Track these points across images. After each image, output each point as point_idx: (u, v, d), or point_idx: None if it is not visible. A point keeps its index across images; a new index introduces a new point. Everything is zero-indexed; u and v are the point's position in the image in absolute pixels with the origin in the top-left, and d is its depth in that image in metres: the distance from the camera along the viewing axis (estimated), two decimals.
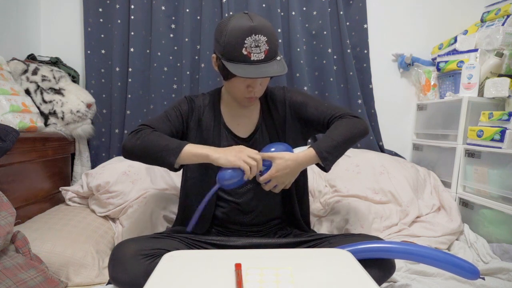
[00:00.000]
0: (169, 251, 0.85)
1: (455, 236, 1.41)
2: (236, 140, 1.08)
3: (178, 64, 1.83)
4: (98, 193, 1.43)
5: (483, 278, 0.94)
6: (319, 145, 0.98)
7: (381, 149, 1.90)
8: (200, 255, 0.82)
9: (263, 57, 0.93)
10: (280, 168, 0.94)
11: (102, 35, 1.81)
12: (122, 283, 0.89)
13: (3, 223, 0.91)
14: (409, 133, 2.00)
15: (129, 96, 1.78)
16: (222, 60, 0.96)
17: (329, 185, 1.58)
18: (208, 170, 1.04)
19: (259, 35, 0.92)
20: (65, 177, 1.66)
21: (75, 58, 1.84)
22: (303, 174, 1.15)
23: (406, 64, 1.91)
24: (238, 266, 0.70)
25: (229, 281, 0.66)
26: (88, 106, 1.61)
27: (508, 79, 1.47)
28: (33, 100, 1.49)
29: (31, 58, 1.69)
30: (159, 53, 1.79)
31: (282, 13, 1.82)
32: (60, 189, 1.54)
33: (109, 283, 1.00)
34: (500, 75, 1.57)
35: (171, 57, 1.83)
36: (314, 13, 1.85)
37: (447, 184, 1.63)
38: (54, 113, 1.52)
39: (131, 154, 1.00)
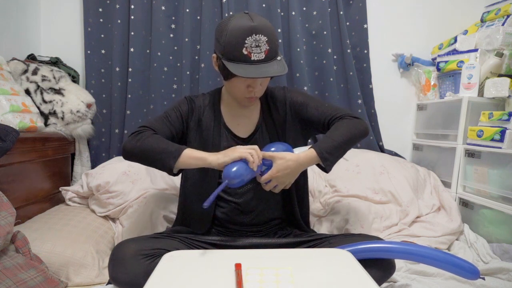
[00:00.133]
0: (169, 251, 0.85)
1: (455, 236, 1.41)
2: (236, 140, 1.08)
3: (178, 64, 1.83)
4: (98, 193, 1.43)
5: (483, 278, 0.94)
6: (319, 145, 0.98)
7: (381, 149, 1.90)
8: (200, 255, 0.82)
9: (263, 57, 0.93)
10: (281, 168, 0.94)
11: (102, 35, 1.81)
12: (122, 283, 0.89)
13: (3, 223, 0.91)
14: (409, 133, 2.00)
15: (129, 96, 1.78)
16: (223, 60, 0.96)
17: (329, 185, 1.58)
18: (208, 170, 1.04)
19: (260, 35, 0.92)
20: (65, 177, 1.66)
21: (75, 58, 1.84)
22: (303, 174, 1.15)
23: (406, 64, 1.91)
24: (238, 266, 0.70)
25: (229, 281, 0.66)
26: (88, 106, 1.61)
27: (508, 79, 1.47)
28: (33, 100, 1.49)
29: (31, 58, 1.69)
30: (159, 53, 1.79)
31: (282, 13, 1.82)
32: (60, 189, 1.54)
33: (109, 283, 1.00)
34: (500, 75, 1.57)
35: (171, 57, 1.83)
36: (314, 13, 1.85)
37: (447, 184, 1.63)
38: (54, 113, 1.52)
39: (130, 155, 1.00)
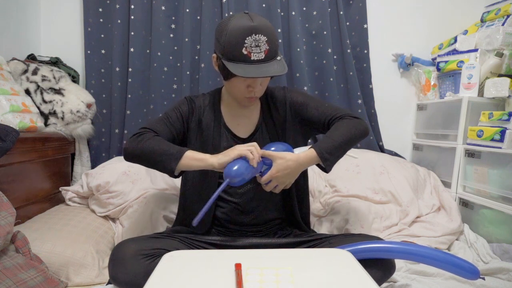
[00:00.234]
0: (169, 251, 0.85)
1: (455, 236, 1.41)
2: (236, 140, 1.08)
3: (178, 64, 1.83)
4: (98, 193, 1.43)
5: (483, 278, 0.94)
6: (320, 145, 0.98)
7: (381, 149, 1.90)
8: (200, 255, 0.82)
9: (263, 57, 0.93)
10: (281, 168, 0.94)
11: (102, 35, 1.81)
12: (122, 283, 0.89)
13: (3, 223, 0.91)
14: (409, 133, 2.00)
15: (129, 96, 1.78)
16: (222, 59, 0.96)
17: (329, 185, 1.58)
18: (208, 171, 1.04)
19: (259, 35, 0.92)
20: (65, 177, 1.66)
21: (75, 58, 1.84)
22: (304, 175, 1.15)
23: (406, 64, 1.91)
24: (238, 266, 0.70)
25: (229, 281, 0.66)
26: (88, 106, 1.61)
27: (508, 79, 1.47)
28: (33, 100, 1.49)
29: (31, 58, 1.69)
30: (159, 53, 1.79)
31: (282, 13, 1.82)
32: (60, 189, 1.54)
33: (109, 283, 1.00)
34: (500, 75, 1.57)
35: (171, 57, 1.83)
36: (314, 13, 1.85)
37: (447, 184, 1.63)
38: (54, 113, 1.52)
39: (132, 157, 1.00)
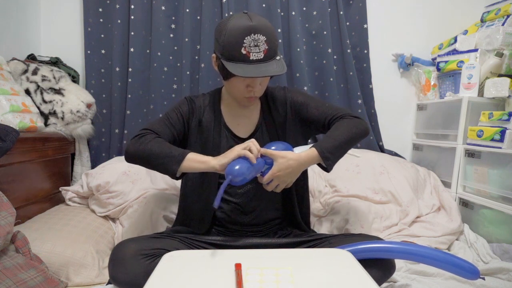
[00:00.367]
0: (169, 251, 0.85)
1: (455, 236, 1.41)
2: (236, 140, 1.08)
3: (178, 64, 1.83)
4: (98, 193, 1.43)
5: (483, 278, 0.94)
6: (321, 145, 0.98)
7: (381, 149, 1.90)
8: (200, 255, 0.82)
9: (262, 57, 0.93)
10: (283, 167, 0.94)
11: (102, 35, 1.81)
12: (122, 283, 0.89)
13: (3, 223, 0.91)
14: (409, 133, 2.00)
15: (129, 96, 1.78)
16: (222, 59, 0.96)
17: (329, 185, 1.58)
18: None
19: (258, 35, 0.92)
20: (65, 177, 1.66)
21: (75, 58, 1.84)
22: (304, 174, 1.15)
23: (406, 64, 1.91)
24: (238, 266, 0.70)
25: (229, 281, 0.66)
26: (88, 106, 1.61)
27: (508, 79, 1.47)
28: (33, 100, 1.49)
29: (31, 58, 1.69)
30: (159, 53, 1.79)
31: (282, 13, 1.82)
32: (60, 189, 1.54)
33: (109, 283, 1.00)
34: (500, 75, 1.57)
35: (171, 57, 1.83)
36: (314, 13, 1.85)
37: (447, 184, 1.63)
38: (54, 113, 1.52)
39: (133, 159, 1.00)
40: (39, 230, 1.22)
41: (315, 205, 1.49)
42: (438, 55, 1.81)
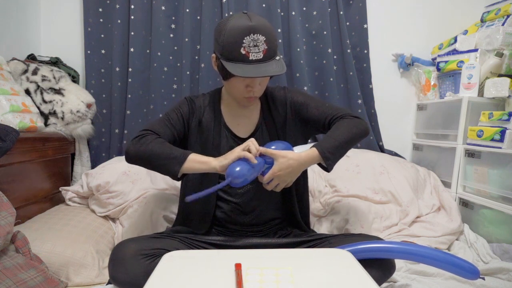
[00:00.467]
0: (169, 251, 0.85)
1: (455, 236, 1.41)
2: (236, 140, 1.08)
3: (178, 64, 1.83)
4: (98, 193, 1.43)
5: (483, 278, 0.94)
6: (321, 145, 0.98)
7: (381, 149, 1.90)
8: (200, 255, 0.82)
9: (261, 57, 0.93)
10: (283, 167, 0.94)
11: (102, 35, 1.81)
12: (122, 283, 0.89)
13: (3, 223, 0.91)
14: (409, 133, 2.00)
15: (129, 96, 1.78)
16: (221, 59, 0.96)
17: (329, 185, 1.58)
18: None
19: (258, 35, 0.92)
20: (65, 177, 1.66)
21: (75, 58, 1.84)
22: (304, 174, 1.15)
23: (406, 64, 1.91)
24: (238, 266, 0.70)
25: (229, 281, 0.66)
26: (88, 106, 1.61)
27: (508, 79, 1.47)
28: (33, 100, 1.49)
29: (31, 58, 1.69)
30: (159, 53, 1.79)
31: (282, 13, 1.82)
32: (60, 189, 1.54)
33: (109, 283, 1.00)
34: (500, 75, 1.57)
35: (171, 57, 1.83)
36: (314, 13, 1.85)
37: (447, 184, 1.63)
38: (54, 113, 1.52)
39: (134, 160, 1.00)
40: (39, 230, 1.22)
41: (315, 205, 1.49)
42: (438, 55, 1.81)
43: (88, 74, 1.80)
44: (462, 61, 1.62)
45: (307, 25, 1.87)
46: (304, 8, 1.86)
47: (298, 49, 1.81)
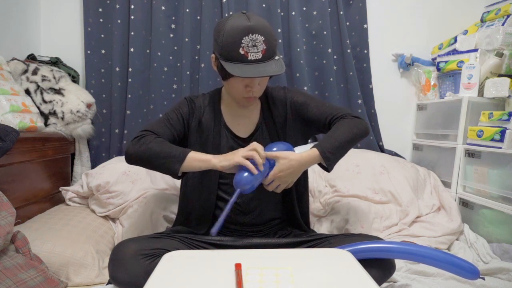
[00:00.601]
0: (169, 251, 0.85)
1: (455, 236, 1.41)
2: (236, 140, 1.08)
3: (178, 64, 1.83)
4: (98, 193, 1.43)
5: (483, 278, 0.94)
6: (322, 145, 0.98)
7: (381, 149, 1.90)
8: (200, 255, 0.82)
9: (260, 57, 0.93)
10: (284, 168, 0.94)
11: (102, 35, 1.81)
12: (122, 283, 0.89)
13: (3, 223, 0.91)
14: (409, 133, 2.00)
15: (129, 96, 1.78)
16: (220, 60, 0.96)
17: (329, 185, 1.58)
18: (209, 171, 1.04)
19: (256, 35, 0.92)
20: (65, 177, 1.66)
21: (75, 58, 1.84)
22: (304, 175, 1.15)
23: (406, 64, 1.91)
24: (238, 266, 0.70)
25: (229, 281, 0.66)
26: (88, 106, 1.61)
27: (508, 79, 1.47)
28: (33, 100, 1.49)
29: (31, 58, 1.69)
30: (159, 53, 1.79)
31: (282, 13, 1.82)
32: (60, 189, 1.54)
33: (109, 283, 1.00)
34: (500, 75, 1.57)
35: (171, 57, 1.83)
36: (314, 13, 1.85)
37: (447, 184, 1.63)
38: (54, 113, 1.52)
39: (134, 160, 1.00)
40: (39, 230, 1.22)
41: (315, 205, 1.49)
42: (438, 55, 1.81)
43: (88, 74, 1.80)
44: (462, 61, 1.62)
45: (307, 25, 1.87)
46: (304, 8, 1.86)
47: (298, 49, 1.81)
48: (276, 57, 0.98)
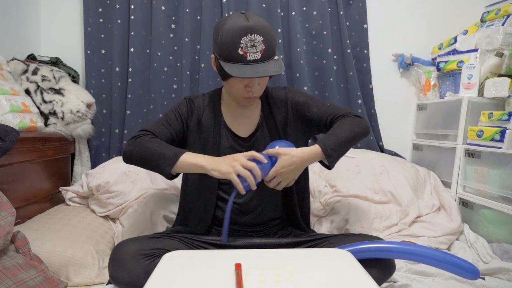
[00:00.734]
0: (169, 251, 0.85)
1: (455, 236, 1.41)
2: (236, 140, 1.08)
3: (178, 64, 1.83)
4: (98, 193, 1.43)
5: (483, 278, 0.94)
6: (324, 142, 0.98)
7: (381, 149, 1.90)
8: (200, 255, 0.82)
9: (259, 57, 0.93)
10: (286, 164, 0.94)
11: (102, 35, 1.81)
12: (122, 283, 0.89)
13: (3, 223, 0.91)
14: (409, 133, 2.00)
15: (129, 96, 1.78)
16: (219, 60, 0.96)
17: (329, 185, 1.57)
18: None
19: (255, 35, 0.92)
20: (65, 177, 1.66)
21: (75, 58, 1.84)
22: (305, 175, 1.15)
23: (406, 64, 1.91)
24: (238, 266, 0.70)
25: (229, 281, 0.66)
26: (88, 106, 1.61)
27: (508, 79, 1.47)
28: (33, 100, 1.49)
29: (31, 58, 1.69)
30: (159, 53, 1.79)
31: (282, 13, 1.82)
32: (60, 189, 1.54)
33: (109, 283, 1.00)
34: (500, 75, 1.57)
35: (171, 57, 1.83)
36: (314, 13, 1.85)
37: (447, 184, 1.63)
38: (54, 113, 1.52)
39: (130, 160, 1.00)
40: (39, 230, 1.22)
41: (315, 205, 1.49)
42: (438, 55, 1.81)
43: (88, 74, 1.80)
44: (462, 61, 1.62)
45: (307, 25, 1.87)
46: (304, 8, 1.86)
47: (298, 49, 1.81)
48: (276, 57, 0.98)
